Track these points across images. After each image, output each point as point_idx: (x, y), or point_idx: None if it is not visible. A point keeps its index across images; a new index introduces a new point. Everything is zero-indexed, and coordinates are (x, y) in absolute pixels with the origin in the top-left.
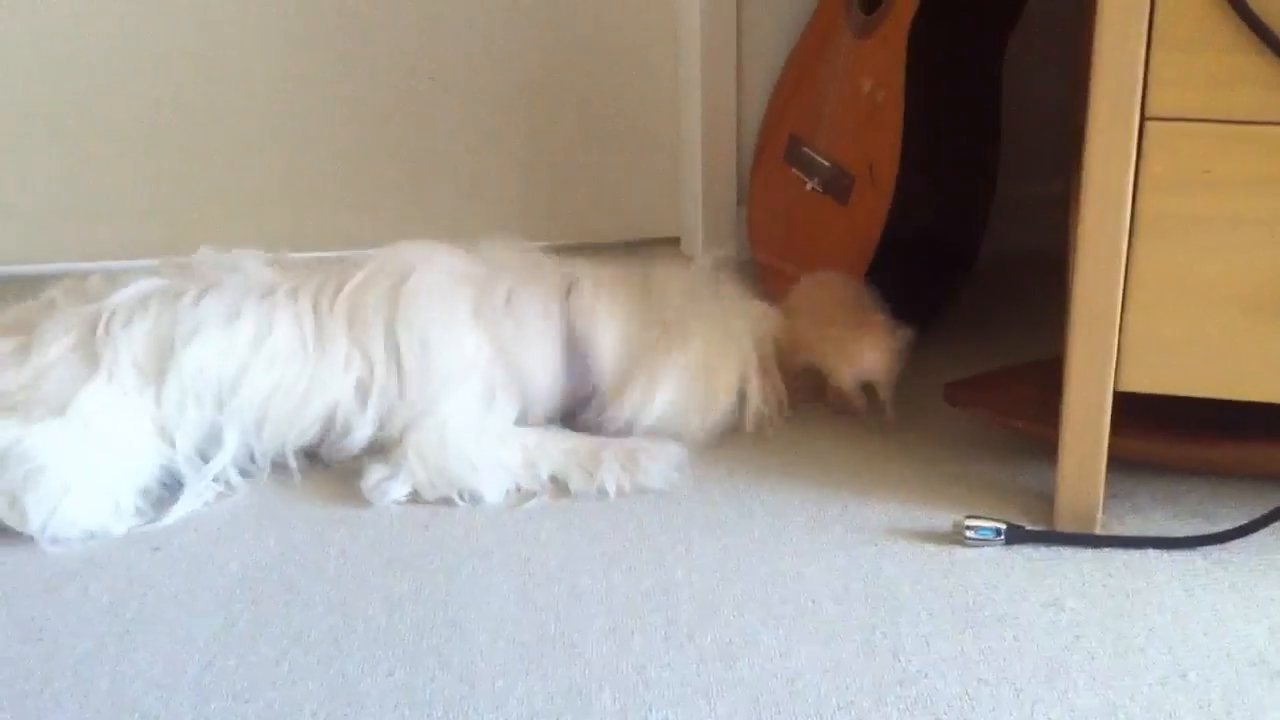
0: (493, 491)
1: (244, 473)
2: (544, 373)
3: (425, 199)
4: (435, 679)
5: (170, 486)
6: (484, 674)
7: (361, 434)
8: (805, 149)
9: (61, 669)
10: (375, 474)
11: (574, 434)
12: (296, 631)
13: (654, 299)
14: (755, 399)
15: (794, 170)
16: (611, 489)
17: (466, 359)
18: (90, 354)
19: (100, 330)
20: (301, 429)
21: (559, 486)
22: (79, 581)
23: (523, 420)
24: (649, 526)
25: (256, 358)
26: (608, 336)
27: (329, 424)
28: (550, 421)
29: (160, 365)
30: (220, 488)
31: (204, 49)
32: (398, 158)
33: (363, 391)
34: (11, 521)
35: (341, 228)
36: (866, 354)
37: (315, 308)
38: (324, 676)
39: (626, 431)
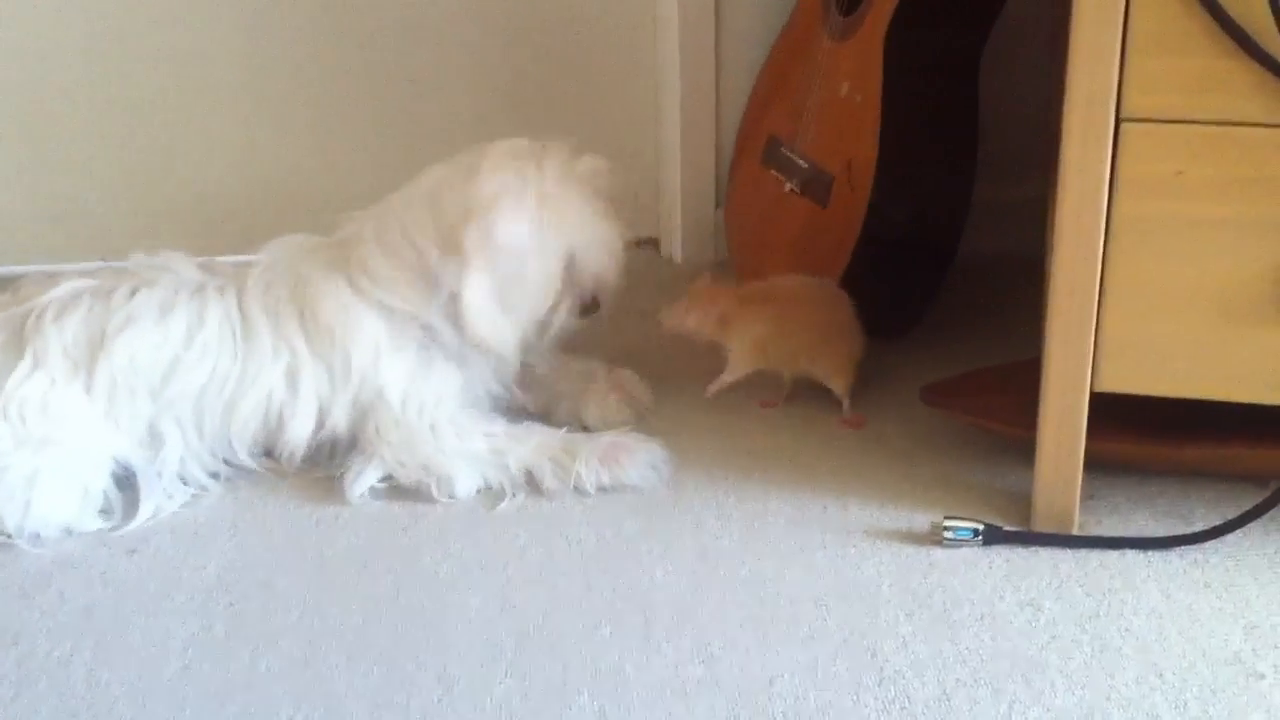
0: (463, 479)
1: (214, 475)
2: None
3: None
4: (413, 681)
5: (137, 488)
6: (461, 676)
7: (301, 426)
8: (784, 150)
9: (37, 673)
10: (353, 468)
11: (549, 429)
12: (273, 634)
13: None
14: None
15: (772, 172)
16: (590, 484)
17: (377, 332)
18: (19, 350)
19: (30, 325)
20: (240, 422)
21: (534, 484)
22: (55, 585)
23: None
24: (627, 528)
25: (189, 351)
26: None
27: (266, 417)
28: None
29: (91, 354)
30: (192, 489)
31: (177, 53)
32: (376, 161)
33: (292, 380)
34: None
35: (319, 232)
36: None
37: (240, 303)
38: (301, 679)
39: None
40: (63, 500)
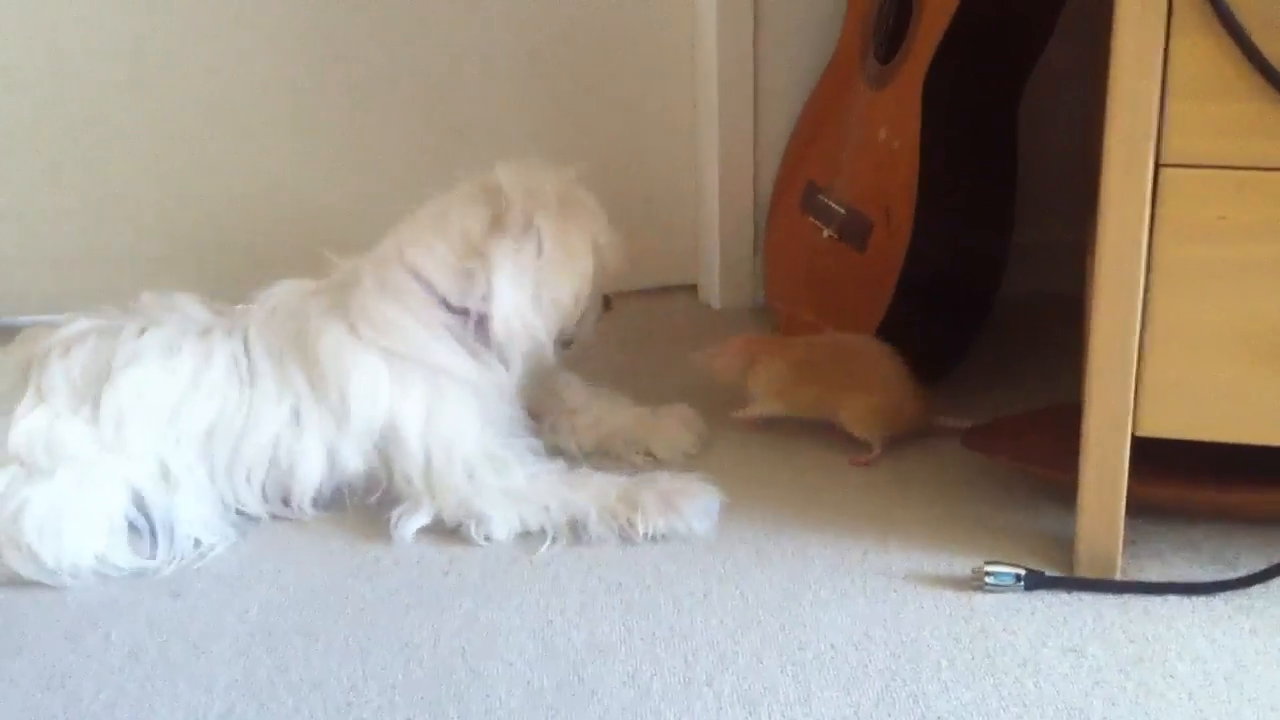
0: (499, 518)
1: (244, 514)
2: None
3: None
4: None
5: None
6: None
7: (310, 470)
8: (822, 197)
9: (83, 716)
10: (399, 510)
11: (606, 476)
12: (315, 678)
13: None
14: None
15: (810, 218)
16: (643, 534)
17: (378, 376)
18: (23, 391)
19: (35, 365)
20: (246, 466)
21: (576, 531)
22: (100, 629)
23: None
24: (667, 573)
25: (195, 392)
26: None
27: (274, 461)
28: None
29: (96, 386)
30: (227, 529)
31: (207, 102)
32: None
33: (297, 423)
34: (22, 567)
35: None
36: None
37: (246, 346)
38: None
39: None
40: (91, 524)
